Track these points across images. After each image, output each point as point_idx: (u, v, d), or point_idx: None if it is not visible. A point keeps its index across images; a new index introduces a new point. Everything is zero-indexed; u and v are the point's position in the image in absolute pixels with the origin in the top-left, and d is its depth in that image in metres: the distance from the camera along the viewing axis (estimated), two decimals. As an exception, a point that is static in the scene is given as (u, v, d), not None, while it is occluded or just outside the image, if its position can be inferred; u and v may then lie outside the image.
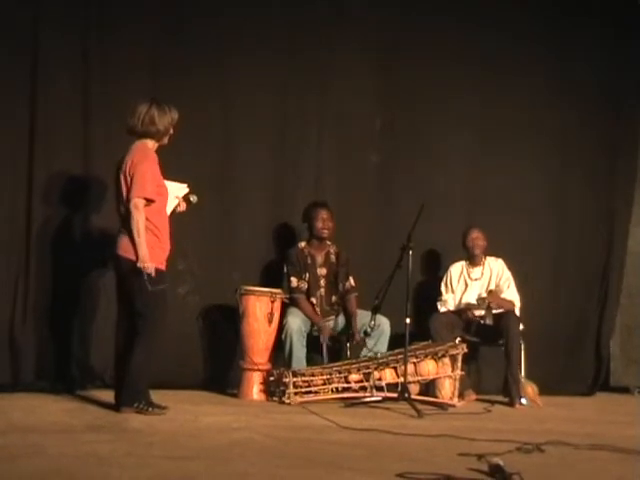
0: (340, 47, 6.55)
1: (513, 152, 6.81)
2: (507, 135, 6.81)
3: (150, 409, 4.78)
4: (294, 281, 6.08)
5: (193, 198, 5.19)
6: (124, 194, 4.82)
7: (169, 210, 5.01)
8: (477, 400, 6.01)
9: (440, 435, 4.41)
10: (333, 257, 6.24)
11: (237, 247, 6.25)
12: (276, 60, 6.38)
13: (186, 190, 5.17)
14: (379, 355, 5.74)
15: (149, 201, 4.77)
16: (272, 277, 6.20)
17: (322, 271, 6.20)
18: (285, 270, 6.12)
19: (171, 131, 4.90)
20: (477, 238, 6.23)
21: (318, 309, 6.13)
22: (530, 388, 5.98)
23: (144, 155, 4.82)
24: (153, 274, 4.73)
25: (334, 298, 6.21)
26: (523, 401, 5.85)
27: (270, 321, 5.79)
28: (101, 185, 5.78)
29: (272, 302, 5.81)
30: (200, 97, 6.03)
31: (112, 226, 5.59)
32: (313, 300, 6.14)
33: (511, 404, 5.83)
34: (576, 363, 6.65)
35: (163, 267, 4.83)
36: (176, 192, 5.14)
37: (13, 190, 5.80)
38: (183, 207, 5.17)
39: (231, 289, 5.84)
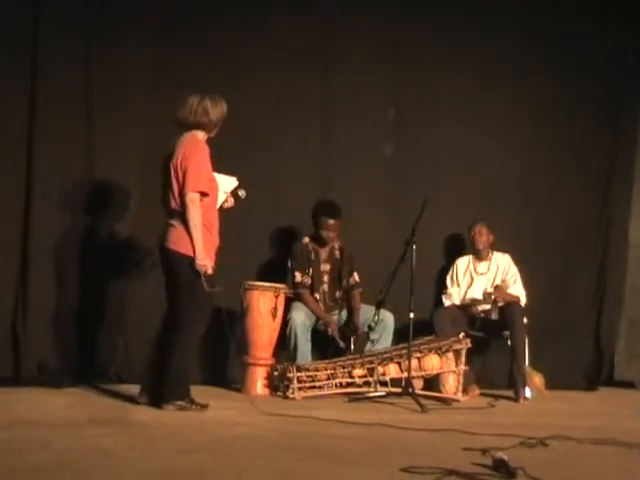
0: (346, 34, 6.53)
1: (527, 146, 6.82)
2: (519, 129, 6.81)
3: (193, 406, 4.80)
4: (298, 276, 6.09)
5: (242, 193, 5.13)
6: (174, 187, 4.79)
7: (218, 205, 4.98)
8: (481, 395, 6.01)
9: (444, 430, 4.42)
10: (337, 253, 6.25)
11: (244, 242, 6.23)
12: (279, 48, 6.37)
13: (235, 184, 5.09)
14: (380, 348, 5.77)
15: (203, 195, 4.75)
16: (276, 272, 6.20)
17: (325, 267, 6.21)
18: (289, 265, 6.13)
19: (219, 127, 4.91)
20: (479, 233, 6.24)
21: (321, 304, 6.16)
22: (537, 378, 5.99)
23: (196, 147, 4.80)
24: (210, 272, 4.72)
25: (338, 294, 6.23)
26: (528, 392, 5.86)
27: (274, 316, 5.81)
28: (103, 186, 5.90)
29: (276, 297, 5.82)
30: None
31: (115, 227, 6.03)
32: (316, 295, 6.16)
33: (515, 398, 5.84)
34: (578, 357, 6.65)
35: (213, 263, 4.83)
36: (225, 186, 5.08)
37: (13, 191, 5.85)
38: (231, 202, 5.13)
39: (235, 284, 5.83)
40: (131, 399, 5.05)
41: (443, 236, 6.66)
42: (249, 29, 6.28)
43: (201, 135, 4.89)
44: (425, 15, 6.68)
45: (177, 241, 4.78)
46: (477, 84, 6.74)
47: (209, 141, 4.96)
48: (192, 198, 4.71)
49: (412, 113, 6.68)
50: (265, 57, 6.32)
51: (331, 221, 6.05)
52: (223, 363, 6.14)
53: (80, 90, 5.96)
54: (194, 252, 4.71)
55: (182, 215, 4.75)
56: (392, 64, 6.62)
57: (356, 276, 6.23)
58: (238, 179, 5.12)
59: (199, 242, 4.72)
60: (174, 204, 4.81)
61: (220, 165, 5.15)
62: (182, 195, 4.73)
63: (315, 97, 6.54)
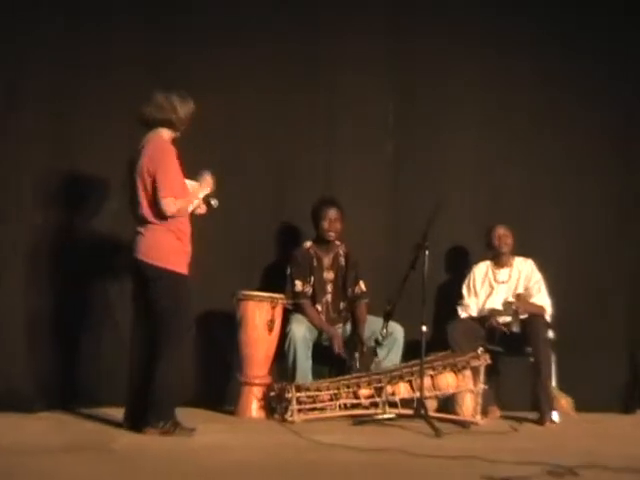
0: (347, 25, 6.56)
1: (542, 143, 6.79)
2: (535, 125, 6.80)
3: (177, 430, 4.82)
4: (298, 285, 6.06)
5: (214, 202, 5.20)
6: (141, 193, 4.89)
7: (188, 210, 5.06)
8: (502, 417, 6.00)
9: (461, 456, 4.39)
10: (342, 259, 6.23)
11: (236, 248, 6.26)
12: (278, 41, 6.43)
13: (208, 190, 5.16)
14: (389, 365, 5.75)
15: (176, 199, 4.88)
16: (273, 281, 6.19)
17: (329, 275, 6.19)
18: (289, 273, 6.11)
19: (185, 126, 5.02)
20: (504, 236, 6.20)
21: (324, 316, 6.13)
22: (564, 401, 5.98)
23: (163, 148, 4.90)
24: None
25: (342, 304, 6.20)
26: (555, 416, 5.82)
27: (271, 329, 5.79)
28: (81, 182, 5.94)
29: (273, 308, 5.80)
30: (198, 90, 5.91)
31: (95, 226, 6.02)
32: (319, 307, 6.14)
33: (541, 421, 5.79)
34: (611, 375, 6.55)
35: (186, 272, 4.93)
36: (196, 192, 5.15)
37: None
38: (203, 209, 5.20)
39: (227, 294, 5.85)
40: (112, 423, 5.06)
41: (458, 241, 6.62)
42: (245, 22, 6.36)
43: (166, 134, 4.98)
44: (434, 5, 6.72)
45: (147, 251, 4.90)
46: (495, 76, 6.78)
47: (176, 143, 5.05)
48: (167, 203, 4.85)
49: (422, 106, 6.71)
50: (262, 52, 6.39)
51: (332, 211, 6.06)
52: (213, 382, 6.11)
53: (60, 83, 6.04)
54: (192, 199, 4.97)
55: (151, 223, 4.88)
56: (396, 54, 6.67)
57: (362, 285, 6.21)
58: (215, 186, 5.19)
59: (192, 197, 4.95)
60: (141, 211, 4.90)
61: (216, 166, 5.19)
62: (155, 203, 4.84)
63: (316, 92, 6.61)
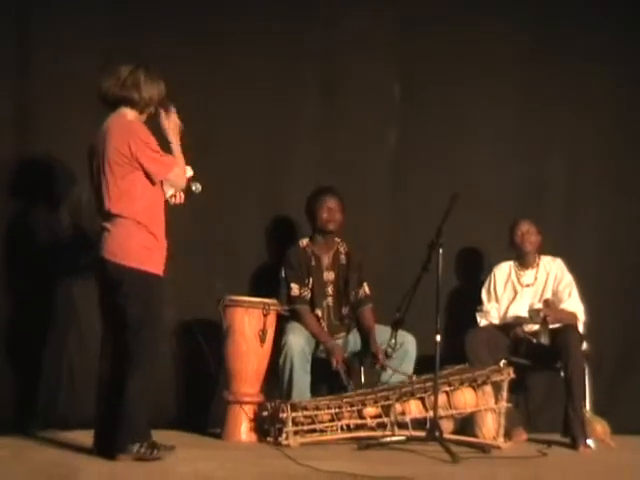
0: (345, 7, 6.55)
1: (566, 132, 6.75)
2: (558, 113, 6.74)
3: (154, 452, 4.67)
4: (295, 288, 5.92)
5: (196, 187, 5.02)
6: (109, 183, 4.69)
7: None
8: (529, 440, 5.86)
9: None
10: (343, 258, 6.09)
11: (220, 247, 6.20)
12: (270, 19, 6.39)
13: (189, 174, 4.98)
14: (405, 379, 5.66)
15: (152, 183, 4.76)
16: (265, 285, 6.10)
17: (329, 275, 6.06)
18: (283, 275, 5.98)
19: (152, 108, 4.85)
20: (528, 232, 6.05)
21: (324, 324, 6.00)
22: (599, 426, 5.79)
23: (133, 128, 4.71)
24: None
25: (344, 310, 6.07)
26: (590, 442, 5.65)
27: (262, 340, 5.63)
28: (43, 167, 5.82)
29: (265, 316, 5.63)
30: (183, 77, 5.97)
31: (61, 220, 5.91)
32: (318, 312, 6.00)
33: (574, 446, 5.63)
34: None
35: (160, 272, 4.77)
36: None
37: None
38: (180, 198, 5.02)
39: (213, 300, 5.71)
40: (80, 449, 4.90)
41: (477, 238, 6.52)
42: (239, 9, 6.32)
43: (130, 114, 4.80)
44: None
45: (114, 250, 4.71)
46: (514, 58, 6.69)
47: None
48: (175, 174, 4.78)
49: (431, 89, 6.63)
50: (258, 16, 6.33)
51: (331, 200, 5.97)
52: (197, 401, 6.03)
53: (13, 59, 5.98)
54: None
55: (119, 216, 4.70)
56: (401, 35, 6.62)
57: (366, 287, 6.10)
58: (195, 170, 4.98)
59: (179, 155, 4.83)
60: (108, 203, 4.72)
61: (205, 159, 5.14)
62: (123, 193, 4.68)
63: (315, 70, 6.56)
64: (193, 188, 4.97)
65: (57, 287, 5.84)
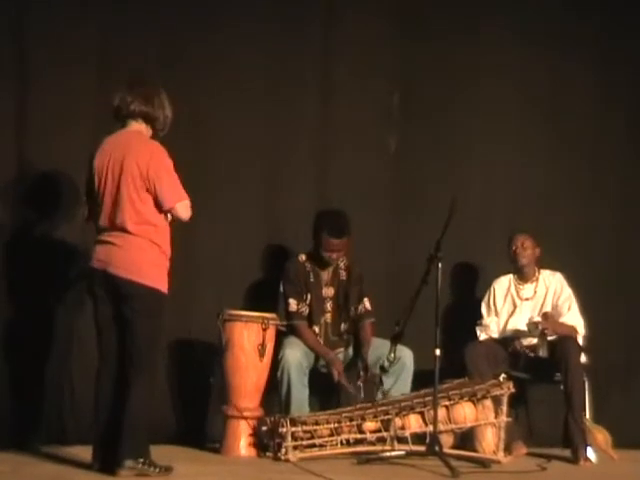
0: (345, 10, 6.48)
1: (569, 143, 6.69)
2: (561, 122, 6.68)
3: (155, 469, 4.63)
4: (293, 304, 5.89)
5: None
6: (124, 199, 4.64)
7: None
8: (529, 454, 5.80)
9: None
10: (343, 273, 6.05)
11: (218, 261, 6.14)
12: (269, 23, 6.33)
13: None
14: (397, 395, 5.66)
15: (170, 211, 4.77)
16: (263, 300, 6.05)
17: (329, 291, 6.02)
18: (282, 290, 5.97)
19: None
20: (523, 246, 6.02)
21: (322, 340, 5.98)
22: (601, 435, 5.79)
23: (159, 150, 4.71)
24: None
25: (344, 326, 6.04)
26: (590, 453, 5.64)
27: (262, 354, 5.60)
28: (42, 180, 5.77)
29: (264, 330, 5.60)
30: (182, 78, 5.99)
31: (61, 233, 5.80)
32: (316, 328, 5.98)
33: (574, 459, 5.63)
34: None
35: (166, 290, 4.78)
36: None
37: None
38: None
39: (211, 314, 5.65)
40: (78, 464, 4.84)
41: (476, 251, 6.47)
42: (237, 13, 6.26)
43: (146, 132, 4.80)
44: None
45: (125, 266, 4.67)
46: (514, 64, 6.63)
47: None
48: (185, 206, 4.74)
49: (431, 96, 6.57)
50: (256, 21, 6.29)
51: (336, 241, 5.86)
52: (196, 416, 5.98)
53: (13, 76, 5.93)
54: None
55: (132, 233, 4.66)
56: (401, 41, 6.57)
57: (367, 303, 6.04)
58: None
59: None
60: (122, 217, 4.67)
61: (199, 168, 5.23)
62: (143, 211, 4.65)
63: (313, 78, 6.50)
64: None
65: (58, 303, 5.80)
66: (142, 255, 4.69)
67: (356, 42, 6.49)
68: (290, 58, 6.42)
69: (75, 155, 5.71)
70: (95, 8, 5.98)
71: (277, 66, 6.39)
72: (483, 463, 5.33)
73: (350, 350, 5.99)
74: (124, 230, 4.67)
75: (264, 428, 5.47)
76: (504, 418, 5.50)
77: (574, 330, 5.90)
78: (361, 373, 5.78)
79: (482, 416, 5.52)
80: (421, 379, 5.73)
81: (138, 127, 4.76)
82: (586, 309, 6.05)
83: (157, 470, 4.62)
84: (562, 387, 5.73)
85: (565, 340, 5.81)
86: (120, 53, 6.01)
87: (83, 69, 5.94)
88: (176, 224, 4.90)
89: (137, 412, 4.63)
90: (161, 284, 4.73)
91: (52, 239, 5.83)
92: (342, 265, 6.02)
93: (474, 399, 5.52)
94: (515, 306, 6.08)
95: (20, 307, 5.76)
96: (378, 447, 5.39)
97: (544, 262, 6.13)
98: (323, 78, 6.50)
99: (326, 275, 6.00)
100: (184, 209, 4.74)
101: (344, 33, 6.47)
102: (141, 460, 4.58)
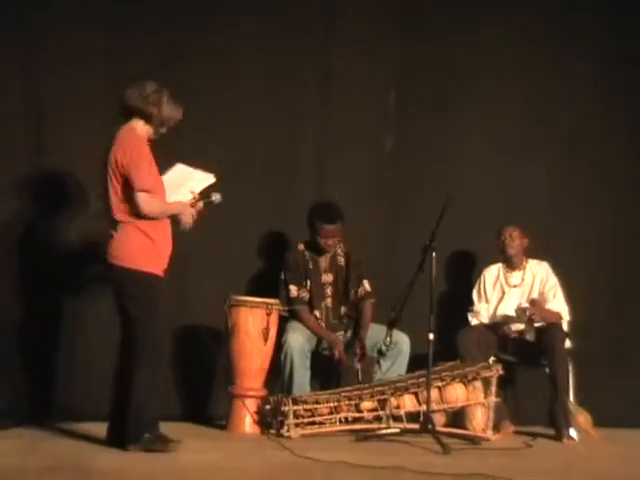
0: (344, 11, 6.49)
1: (561, 139, 6.70)
2: (553, 119, 6.70)
3: (162, 443, 4.73)
4: (293, 290, 5.98)
5: (216, 197, 4.97)
6: (115, 190, 4.74)
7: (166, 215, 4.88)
8: (516, 433, 5.89)
9: (471, 474, 4.35)
10: (341, 259, 6.13)
11: (223, 250, 6.19)
12: (269, 23, 6.32)
13: (211, 181, 4.92)
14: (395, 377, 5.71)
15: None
16: (266, 286, 6.10)
17: (327, 277, 6.11)
18: (283, 277, 6.04)
19: (164, 130, 4.88)
20: (511, 237, 6.12)
21: (323, 324, 6.05)
22: (582, 417, 5.88)
23: (135, 139, 4.77)
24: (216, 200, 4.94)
25: (343, 309, 6.11)
26: (573, 433, 5.73)
27: (265, 338, 5.68)
28: (54, 179, 5.84)
29: (268, 315, 5.69)
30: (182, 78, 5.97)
31: (73, 227, 5.91)
32: (317, 313, 6.06)
33: (558, 437, 5.73)
34: (635, 388, 6.39)
35: (161, 273, 4.81)
36: (193, 184, 4.91)
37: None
38: (199, 208, 4.97)
39: (216, 301, 5.74)
40: (94, 440, 4.96)
41: (468, 242, 6.50)
42: (239, 13, 6.28)
43: (141, 129, 4.84)
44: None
45: (116, 253, 4.79)
46: (510, 61, 6.65)
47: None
48: (140, 197, 4.71)
49: (427, 95, 6.59)
50: (256, 20, 6.28)
51: (329, 226, 5.96)
52: (204, 395, 6.06)
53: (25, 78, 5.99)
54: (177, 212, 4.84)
55: (122, 222, 4.76)
56: (401, 39, 6.56)
57: (366, 284, 6.11)
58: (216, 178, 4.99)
59: (172, 209, 4.83)
60: (113, 209, 4.79)
61: (202, 161, 4.99)
62: (126, 200, 4.73)
63: (313, 78, 6.51)
64: (213, 198, 4.95)
65: (70, 289, 5.84)
66: (128, 241, 4.75)
67: (356, 42, 6.49)
68: (290, 58, 6.41)
69: (75, 154, 5.79)
70: (95, 8, 5.99)
71: (277, 66, 6.38)
72: (473, 440, 5.43)
73: (350, 333, 6.04)
74: (116, 220, 4.76)
75: (267, 407, 5.57)
76: (493, 398, 5.59)
77: (559, 316, 5.96)
78: (357, 351, 5.83)
79: (472, 396, 5.62)
80: (416, 362, 5.79)
81: (135, 123, 4.81)
82: (571, 297, 6.08)
83: (165, 444, 4.70)
84: (547, 370, 5.81)
85: (551, 327, 5.88)
86: (120, 53, 6.02)
87: (83, 69, 5.95)
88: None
89: (141, 392, 4.69)
90: (149, 267, 4.74)
91: (65, 234, 5.89)
92: (340, 252, 6.08)
93: (465, 380, 5.61)
94: (504, 293, 6.14)
95: (35, 295, 5.79)
96: (375, 425, 5.48)
97: (535, 253, 6.17)
98: (323, 78, 6.50)
99: (324, 262, 6.07)
100: (143, 201, 4.70)
101: (344, 33, 6.47)
102: (148, 435, 4.67)
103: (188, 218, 4.84)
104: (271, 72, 6.36)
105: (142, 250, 4.74)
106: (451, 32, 6.55)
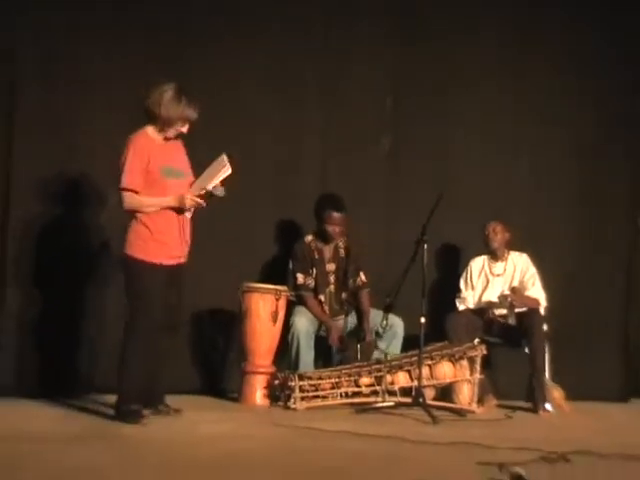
0: (344, 12, 6.50)
1: (545, 140, 6.76)
2: (539, 121, 6.74)
3: (127, 418, 4.74)
4: (300, 278, 6.14)
5: (219, 190, 4.84)
6: (119, 184, 4.87)
7: (203, 190, 4.82)
8: (498, 406, 6.02)
9: (458, 443, 4.42)
10: (342, 251, 6.26)
11: (237, 241, 6.28)
12: (269, 23, 6.35)
13: (228, 172, 4.81)
14: (389, 357, 5.76)
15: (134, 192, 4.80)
16: (275, 274, 6.23)
17: (331, 266, 6.24)
18: (290, 266, 6.17)
19: (180, 127, 4.80)
20: (494, 231, 6.25)
21: (327, 307, 6.19)
22: (556, 392, 6.00)
23: (130, 140, 4.79)
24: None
25: (344, 295, 6.24)
26: (548, 406, 5.87)
27: (274, 320, 5.85)
28: (83, 181, 5.93)
29: (277, 300, 5.87)
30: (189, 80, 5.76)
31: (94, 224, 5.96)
32: (321, 298, 6.19)
33: (535, 410, 5.86)
34: (604, 366, 6.60)
35: (157, 261, 4.82)
36: (220, 174, 4.81)
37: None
38: (190, 211, 4.95)
39: (232, 286, 5.88)
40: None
41: (457, 235, 6.63)
42: (243, 16, 6.30)
43: (149, 130, 4.83)
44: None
45: (123, 243, 4.88)
46: (500, 68, 6.70)
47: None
48: (121, 195, 4.78)
49: (422, 99, 6.61)
50: (260, 28, 6.31)
51: (336, 214, 6.08)
52: (219, 371, 6.23)
53: (61, 88, 6.02)
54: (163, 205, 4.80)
55: (130, 216, 4.84)
56: (395, 42, 6.58)
57: (363, 276, 6.26)
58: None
59: (157, 204, 4.78)
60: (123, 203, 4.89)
61: (202, 161, 4.96)
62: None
63: (313, 78, 6.54)
64: (216, 191, 4.85)
65: (87, 273, 5.94)
66: (130, 232, 4.83)
67: (356, 42, 6.47)
68: (290, 58, 6.36)
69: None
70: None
71: (277, 66, 6.34)
72: (459, 412, 5.55)
73: (350, 318, 6.15)
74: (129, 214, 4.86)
75: (276, 382, 5.71)
76: (477, 375, 5.72)
77: (537, 302, 6.10)
78: (360, 335, 6.00)
79: (459, 373, 5.76)
80: (409, 342, 5.94)
81: (148, 126, 4.82)
82: (550, 285, 6.21)
83: (133, 419, 4.71)
84: (527, 351, 5.97)
85: (530, 312, 6.04)
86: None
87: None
88: (212, 206, 4.91)
89: (124, 366, 4.76)
90: (142, 254, 4.76)
91: (80, 229, 5.98)
92: (341, 245, 6.22)
93: (453, 359, 5.76)
94: (488, 281, 6.28)
95: (57, 280, 5.89)
96: (372, 399, 5.62)
97: (518, 245, 6.28)
98: (323, 78, 6.47)
99: (328, 253, 6.20)
100: (123, 198, 4.77)
101: (344, 33, 6.45)
102: (122, 405, 4.73)
103: (189, 203, 4.77)
104: (271, 72, 6.34)
105: (138, 239, 4.80)
106: (451, 32, 6.54)
